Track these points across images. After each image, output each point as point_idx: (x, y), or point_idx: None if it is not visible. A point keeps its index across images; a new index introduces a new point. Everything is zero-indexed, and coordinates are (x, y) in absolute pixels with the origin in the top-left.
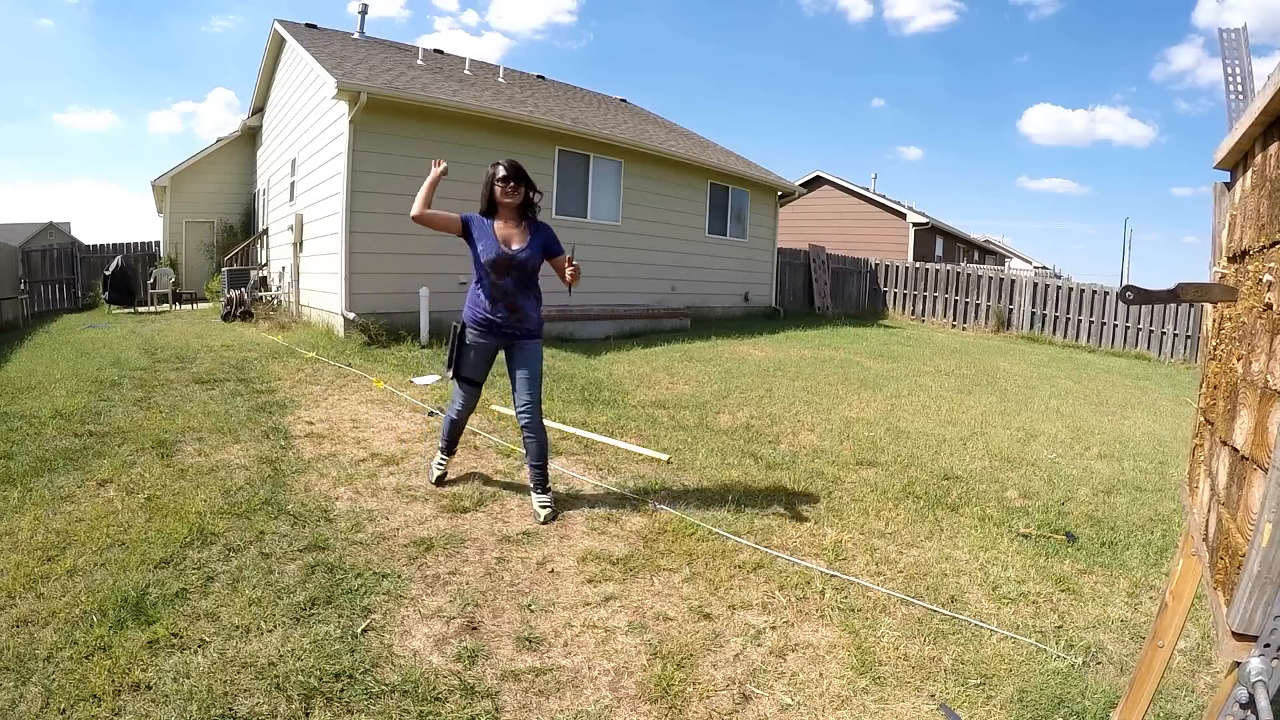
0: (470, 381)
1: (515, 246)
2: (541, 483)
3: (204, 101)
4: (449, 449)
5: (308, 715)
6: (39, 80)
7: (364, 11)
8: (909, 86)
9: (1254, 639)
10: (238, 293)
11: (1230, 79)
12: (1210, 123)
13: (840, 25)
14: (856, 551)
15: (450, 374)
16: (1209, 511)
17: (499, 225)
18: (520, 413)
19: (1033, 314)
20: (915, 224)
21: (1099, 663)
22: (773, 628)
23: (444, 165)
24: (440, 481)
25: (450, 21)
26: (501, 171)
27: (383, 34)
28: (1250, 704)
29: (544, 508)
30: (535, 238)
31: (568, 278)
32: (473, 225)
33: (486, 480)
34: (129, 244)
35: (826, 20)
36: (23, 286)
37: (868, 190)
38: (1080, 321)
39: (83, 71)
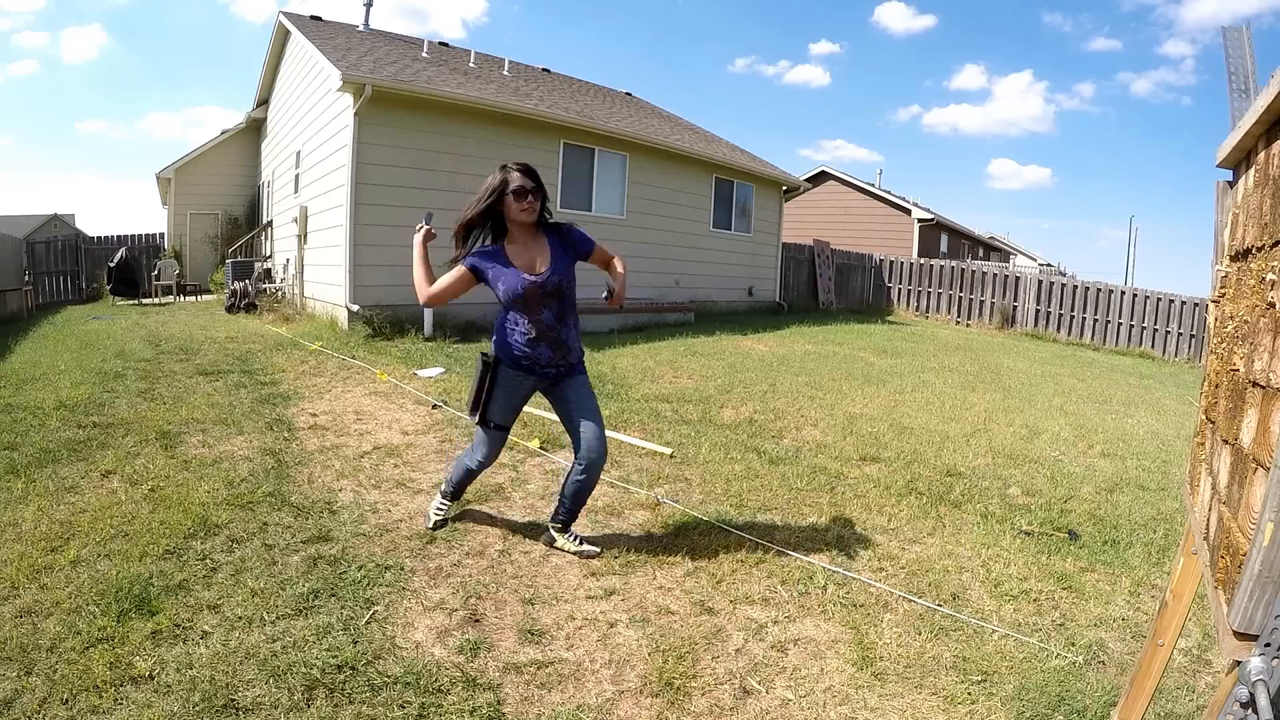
0: (501, 428)
1: (542, 270)
2: (569, 524)
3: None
4: (455, 494)
5: (310, 706)
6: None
7: (369, 4)
8: None
9: (1255, 638)
10: (242, 285)
11: (1233, 77)
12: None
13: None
14: (859, 547)
15: (474, 418)
16: (1210, 510)
17: (513, 248)
18: (592, 448)
19: (1037, 311)
20: (920, 220)
21: (1100, 661)
22: (774, 622)
23: (426, 228)
24: (439, 527)
25: None
26: (516, 181)
27: None
28: (1250, 703)
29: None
30: (562, 249)
31: (616, 299)
32: (484, 270)
33: (490, 473)
34: (133, 236)
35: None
36: (27, 278)
37: (873, 186)
38: (1084, 319)
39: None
